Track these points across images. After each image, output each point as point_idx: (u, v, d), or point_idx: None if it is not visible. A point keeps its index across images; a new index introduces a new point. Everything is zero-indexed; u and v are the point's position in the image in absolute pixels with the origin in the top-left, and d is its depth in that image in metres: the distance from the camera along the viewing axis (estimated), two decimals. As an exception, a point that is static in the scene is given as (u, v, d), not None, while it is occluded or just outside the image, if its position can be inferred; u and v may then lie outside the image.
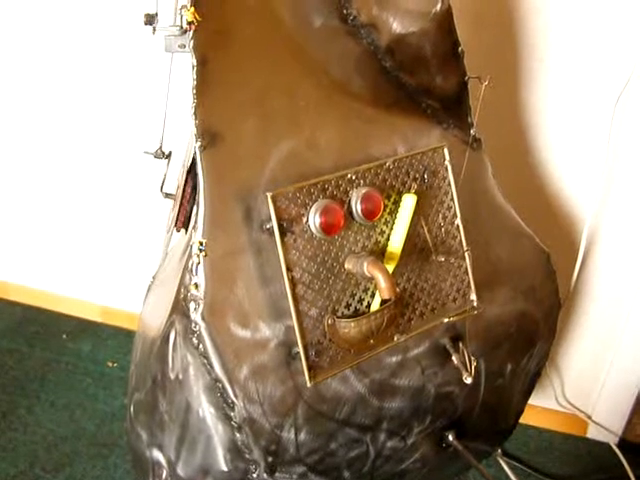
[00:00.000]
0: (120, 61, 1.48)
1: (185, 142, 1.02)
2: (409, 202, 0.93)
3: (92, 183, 1.65)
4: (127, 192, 1.62)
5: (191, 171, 0.99)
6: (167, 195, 1.07)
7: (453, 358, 1.00)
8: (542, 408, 1.53)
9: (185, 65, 0.84)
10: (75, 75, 1.54)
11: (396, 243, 0.93)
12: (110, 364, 1.67)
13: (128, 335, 1.73)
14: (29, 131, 1.65)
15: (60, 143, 1.64)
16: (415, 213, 0.94)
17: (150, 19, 0.90)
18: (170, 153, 1.06)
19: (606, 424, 1.49)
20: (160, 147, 1.05)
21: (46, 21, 1.51)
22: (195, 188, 0.99)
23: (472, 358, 1.00)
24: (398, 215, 0.94)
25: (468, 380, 0.98)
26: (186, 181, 0.98)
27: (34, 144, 1.67)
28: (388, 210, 0.93)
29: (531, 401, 1.26)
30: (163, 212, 1.16)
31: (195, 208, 0.86)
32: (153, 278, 1.15)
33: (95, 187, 1.66)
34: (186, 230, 1.03)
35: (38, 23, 1.52)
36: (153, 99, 1.13)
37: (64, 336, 1.76)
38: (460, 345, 1.02)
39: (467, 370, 0.99)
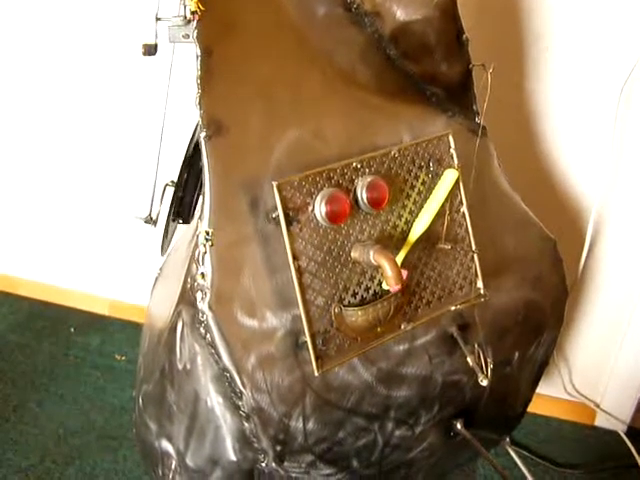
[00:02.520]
0: (119, 61, 1.49)
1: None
2: (450, 177, 0.94)
3: (99, 177, 1.66)
4: (133, 186, 1.62)
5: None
6: (173, 183, 1.07)
7: (468, 359, 0.99)
8: (550, 397, 1.53)
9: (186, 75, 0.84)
10: (78, 71, 1.54)
11: (422, 223, 0.94)
12: (118, 357, 1.68)
13: (136, 328, 1.73)
14: (36, 126, 1.66)
15: (67, 139, 1.64)
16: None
17: (149, 49, 0.91)
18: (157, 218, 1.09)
19: (614, 412, 1.49)
20: (150, 214, 1.07)
21: (47, 35, 1.52)
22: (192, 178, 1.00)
23: (488, 360, 1.00)
24: (433, 192, 0.94)
25: (484, 383, 0.98)
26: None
27: (41, 139, 1.67)
28: (394, 199, 0.93)
29: (539, 390, 1.26)
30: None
31: (201, 198, 0.86)
32: (160, 270, 1.15)
33: (101, 182, 1.66)
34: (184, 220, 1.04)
35: (38, 37, 1.53)
36: (156, 91, 1.13)
37: (72, 330, 1.77)
38: (469, 336, 1.02)
39: (483, 372, 0.98)
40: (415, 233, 0.94)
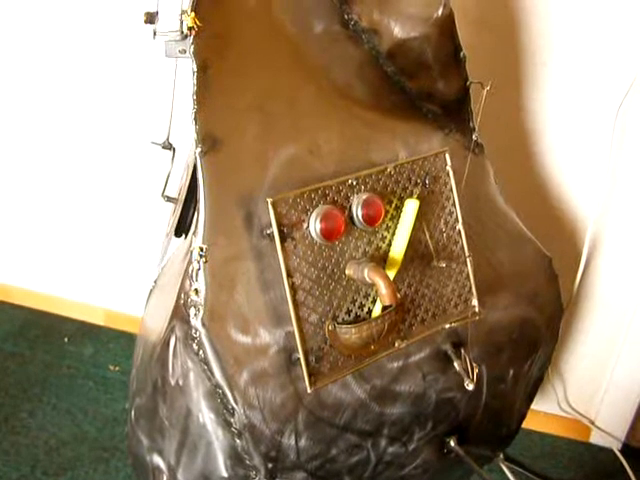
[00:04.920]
0: (122, 63, 1.48)
1: (188, 146, 1.02)
2: (411, 206, 0.93)
3: (95, 187, 1.65)
4: (130, 196, 1.62)
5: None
6: (168, 199, 1.07)
7: (455, 364, 1.00)
8: (545, 413, 1.52)
9: (187, 65, 0.84)
10: (75, 80, 1.54)
11: (398, 248, 0.93)
12: (112, 368, 1.67)
13: (130, 338, 1.72)
14: (31, 134, 1.65)
15: (62, 146, 1.64)
16: (417, 218, 0.93)
17: (150, 18, 0.89)
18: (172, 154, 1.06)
19: (609, 429, 1.49)
20: (167, 138, 1.05)
21: (48, 16, 1.50)
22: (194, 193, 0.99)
23: (474, 365, 1.00)
24: (400, 220, 0.93)
25: (470, 387, 0.98)
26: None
27: (36, 148, 1.67)
28: (389, 216, 0.93)
29: (534, 406, 1.25)
30: (165, 216, 1.16)
31: (196, 214, 0.86)
32: (154, 282, 1.14)
33: (98, 191, 1.66)
34: (185, 235, 1.03)
35: (40, 19, 1.51)
36: (157, 103, 1.13)
37: (66, 339, 1.76)
38: (462, 351, 1.01)
39: (469, 377, 0.98)
40: (396, 256, 0.94)
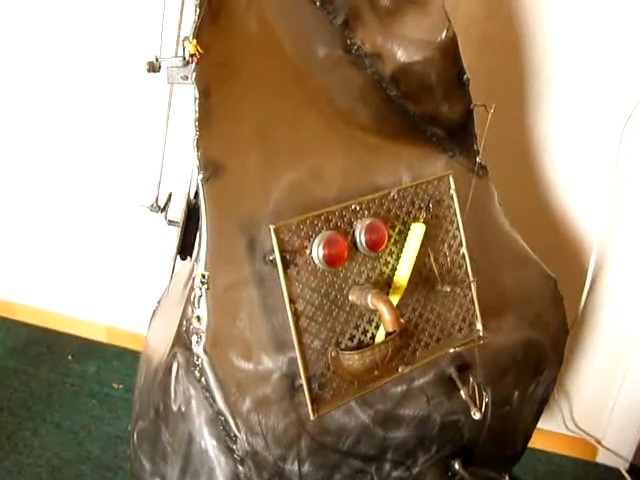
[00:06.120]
0: (120, 92, 1.49)
1: (188, 170, 1.02)
2: (417, 231, 0.92)
3: (98, 205, 1.65)
4: (132, 214, 1.61)
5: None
6: (170, 222, 1.06)
7: (461, 392, 0.98)
8: (551, 432, 1.51)
9: (186, 98, 0.84)
10: (78, 98, 1.54)
11: (403, 273, 0.92)
12: (115, 385, 1.66)
13: (134, 356, 1.72)
14: (37, 152, 1.66)
15: (67, 166, 1.64)
16: (422, 242, 0.93)
17: (153, 67, 0.90)
18: (166, 204, 1.06)
19: (616, 449, 1.47)
20: (156, 201, 1.05)
21: (48, 56, 1.52)
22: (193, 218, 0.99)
23: (483, 393, 0.99)
24: (405, 244, 0.93)
25: (477, 416, 0.97)
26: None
27: (40, 166, 1.67)
28: (392, 241, 0.92)
29: (540, 425, 1.24)
30: (168, 234, 1.15)
31: (197, 239, 0.85)
32: (158, 303, 1.14)
33: (101, 209, 1.66)
34: (191, 257, 1.03)
35: (40, 59, 1.53)
36: (158, 115, 1.13)
37: (69, 357, 1.75)
38: (468, 376, 1.00)
39: (476, 405, 0.97)
40: (400, 281, 0.93)
